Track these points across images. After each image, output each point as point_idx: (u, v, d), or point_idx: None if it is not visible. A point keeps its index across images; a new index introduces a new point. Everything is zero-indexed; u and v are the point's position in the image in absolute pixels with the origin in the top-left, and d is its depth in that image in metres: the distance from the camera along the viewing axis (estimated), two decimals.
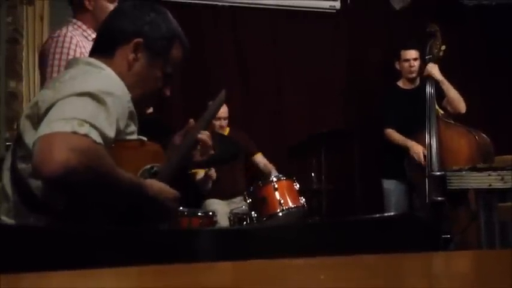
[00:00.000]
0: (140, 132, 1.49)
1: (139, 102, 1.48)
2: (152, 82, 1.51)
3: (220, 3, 4.72)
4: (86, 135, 1.21)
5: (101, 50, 1.50)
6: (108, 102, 1.30)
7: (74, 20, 2.44)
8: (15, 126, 3.48)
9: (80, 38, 2.35)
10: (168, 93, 1.56)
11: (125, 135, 1.38)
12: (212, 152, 1.64)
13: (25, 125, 1.35)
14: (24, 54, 3.57)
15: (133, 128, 1.42)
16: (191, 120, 1.67)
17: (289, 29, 4.85)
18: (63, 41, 2.31)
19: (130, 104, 1.41)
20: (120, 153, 1.32)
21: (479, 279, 0.66)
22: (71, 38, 2.32)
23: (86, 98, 1.28)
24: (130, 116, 1.40)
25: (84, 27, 2.38)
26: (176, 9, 4.64)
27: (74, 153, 1.17)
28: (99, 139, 1.23)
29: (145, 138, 1.46)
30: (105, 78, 1.41)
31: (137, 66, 1.48)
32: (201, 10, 4.70)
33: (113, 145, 1.31)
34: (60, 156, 1.16)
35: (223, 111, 4.20)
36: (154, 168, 1.41)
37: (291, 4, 4.82)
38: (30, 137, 1.31)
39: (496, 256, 0.89)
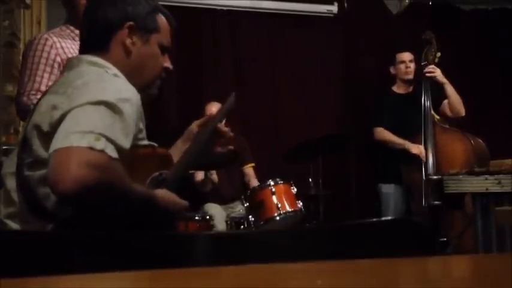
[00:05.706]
0: None
1: (147, 86, 1.47)
2: (154, 60, 1.50)
3: (218, 7, 4.73)
4: (102, 151, 1.19)
5: (94, 45, 1.45)
6: (124, 110, 1.27)
7: (65, 23, 2.46)
8: (11, 130, 3.47)
9: (62, 39, 2.36)
10: (170, 66, 1.55)
11: (138, 140, 1.36)
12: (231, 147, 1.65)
13: (33, 133, 1.32)
14: (21, 58, 3.56)
15: (144, 132, 1.41)
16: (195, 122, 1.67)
17: (287, 33, 4.87)
18: (38, 43, 2.33)
19: (141, 107, 1.38)
20: (132, 159, 1.31)
21: (476, 284, 0.66)
22: (46, 39, 2.33)
23: (101, 107, 1.24)
24: (141, 118, 1.38)
25: (72, 28, 2.40)
26: (175, 12, 4.67)
27: (90, 170, 1.15)
28: (114, 154, 1.22)
29: (155, 144, 1.45)
30: (120, 84, 1.37)
31: (135, 49, 1.46)
32: (200, 14, 4.70)
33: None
34: (77, 173, 1.14)
35: None
36: (163, 175, 1.41)
37: (288, 8, 4.84)
38: (38, 144, 1.29)
39: (493, 260, 0.89)
